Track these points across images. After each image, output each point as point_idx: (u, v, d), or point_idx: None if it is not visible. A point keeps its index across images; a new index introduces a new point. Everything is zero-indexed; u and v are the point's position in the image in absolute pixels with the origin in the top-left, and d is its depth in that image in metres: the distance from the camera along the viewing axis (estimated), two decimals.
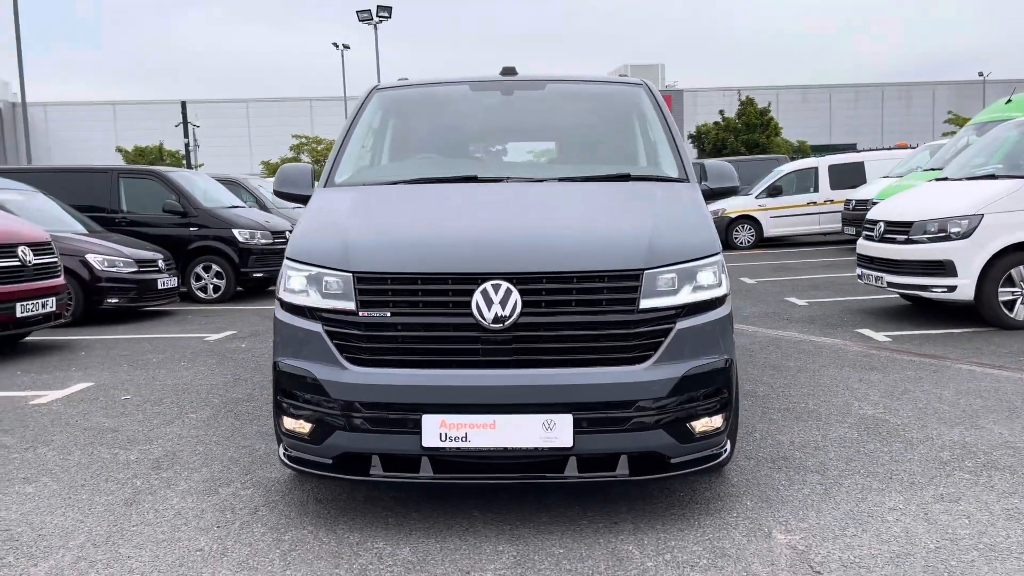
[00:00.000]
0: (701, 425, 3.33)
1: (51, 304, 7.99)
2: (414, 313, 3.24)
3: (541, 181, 4.18)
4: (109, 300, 9.92)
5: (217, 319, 10.15)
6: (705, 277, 3.39)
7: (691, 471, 3.35)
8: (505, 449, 3.17)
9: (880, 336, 7.64)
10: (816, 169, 19.11)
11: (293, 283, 3.47)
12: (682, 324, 3.29)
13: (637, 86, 4.91)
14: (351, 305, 3.28)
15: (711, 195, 4.29)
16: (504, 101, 4.85)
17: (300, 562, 3.06)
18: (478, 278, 3.21)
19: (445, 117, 4.96)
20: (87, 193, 12.29)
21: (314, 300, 3.38)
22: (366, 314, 3.26)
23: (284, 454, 3.56)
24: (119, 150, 46.28)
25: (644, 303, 3.24)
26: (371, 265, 3.32)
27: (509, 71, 4.92)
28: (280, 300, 3.54)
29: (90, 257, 9.88)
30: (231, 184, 15.51)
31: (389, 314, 3.25)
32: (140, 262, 10.31)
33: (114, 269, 9.97)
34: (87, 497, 3.81)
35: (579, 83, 4.99)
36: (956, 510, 3.43)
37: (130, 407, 5.55)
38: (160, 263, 10.66)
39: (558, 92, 4.90)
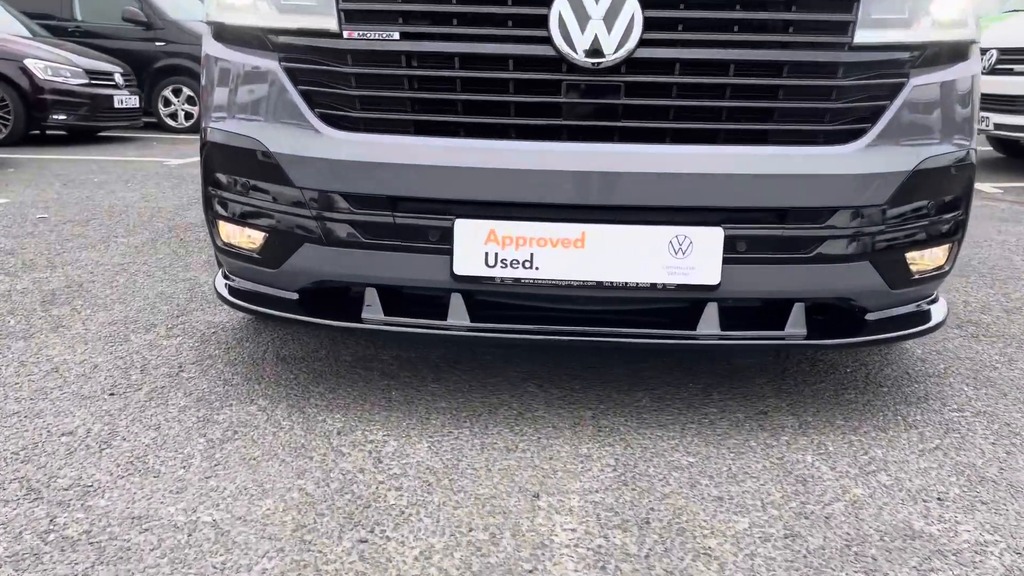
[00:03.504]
0: (922, 260, 1.97)
1: None
2: (442, 36, 1.79)
3: None
4: (54, 116, 8.31)
5: (185, 147, 8.61)
6: (946, 6, 1.91)
7: (894, 337, 2.01)
8: (599, 284, 1.81)
9: (987, 187, 6.23)
10: None
11: None
12: (918, 80, 1.86)
13: None
14: (330, 22, 1.82)
15: None
16: None
17: (238, 464, 1.75)
18: None
19: None
20: None
21: (266, 17, 1.91)
22: (356, 35, 1.81)
23: (224, 285, 2.20)
24: None
25: (861, 35, 1.79)
26: None
27: None
28: (211, 24, 2.07)
29: (30, 63, 8.20)
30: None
31: (398, 36, 1.79)
32: (92, 73, 8.65)
33: (59, 79, 8.31)
34: None
35: None
36: None
37: (42, 227, 4.16)
38: (118, 77, 9.00)
39: None
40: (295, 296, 2.04)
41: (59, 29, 10.20)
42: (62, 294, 2.96)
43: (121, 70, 9.19)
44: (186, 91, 10.44)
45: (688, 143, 1.78)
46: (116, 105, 8.86)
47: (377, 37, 1.80)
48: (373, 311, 1.93)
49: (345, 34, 1.81)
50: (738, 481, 1.71)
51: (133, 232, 4.09)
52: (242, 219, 2.02)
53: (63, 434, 1.87)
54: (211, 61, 2.06)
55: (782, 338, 1.89)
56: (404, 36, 1.79)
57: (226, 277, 2.22)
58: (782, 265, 1.83)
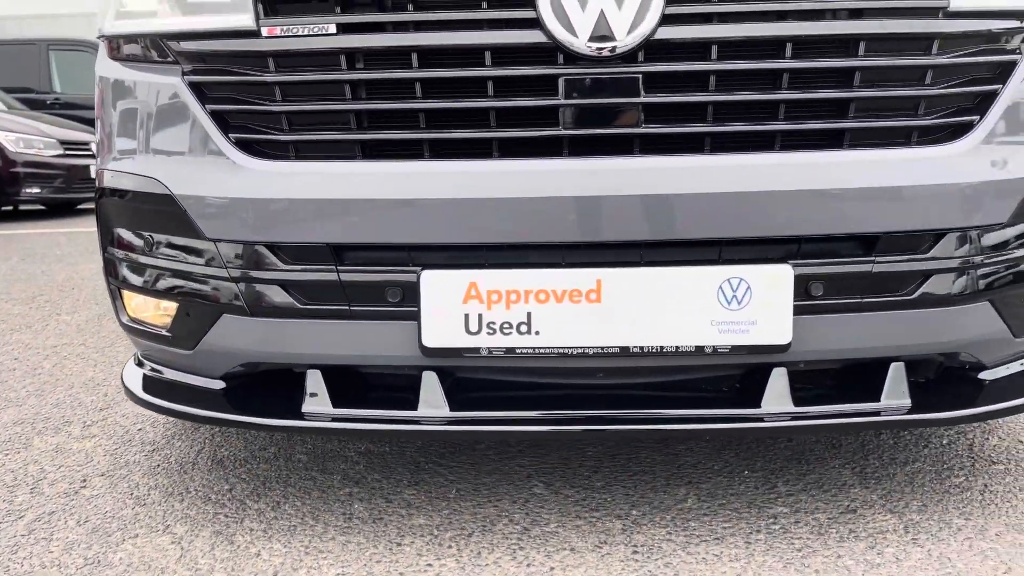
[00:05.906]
0: None
1: None
2: (394, 24, 1.32)
3: None
4: (27, 190, 7.94)
5: None
6: None
7: (1016, 405, 1.49)
8: (624, 351, 1.31)
9: None
10: None
11: None
12: None
13: None
14: (244, 18, 1.36)
15: None
16: None
17: None
18: None
19: None
20: (11, 71, 10.21)
21: (165, 20, 1.46)
22: (280, 32, 1.35)
23: (137, 376, 1.70)
24: None
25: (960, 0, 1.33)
26: None
27: None
28: (104, 39, 1.62)
29: (0, 136, 7.85)
30: None
31: (335, 28, 1.33)
32: (67, 143, 8.30)
33: (32, 151, 7.95)
34: None
35: None
36: None
37: None
38: (94, 146, 8.63)
39: None
40: (220, 385, 1.54)
41: (38, 102, 9.96)
42: None
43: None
44: None
45: (735, 151, 1.30)
46: (93, 175, 8.48)
47: (308, 32, 1.34)
48: (318, 402, 1.42)
49: (265, 31, 1.35)
50: None
51: (80, 308, 3.61)
52: (148, 286, 1.54)
53: None
54: (103, 85, 1.60)
55: (878, 412, 1.38)
56: (343, 28, 1.32)
57: (140, 364, 1.72)
58: (873, 312, 1.33)
